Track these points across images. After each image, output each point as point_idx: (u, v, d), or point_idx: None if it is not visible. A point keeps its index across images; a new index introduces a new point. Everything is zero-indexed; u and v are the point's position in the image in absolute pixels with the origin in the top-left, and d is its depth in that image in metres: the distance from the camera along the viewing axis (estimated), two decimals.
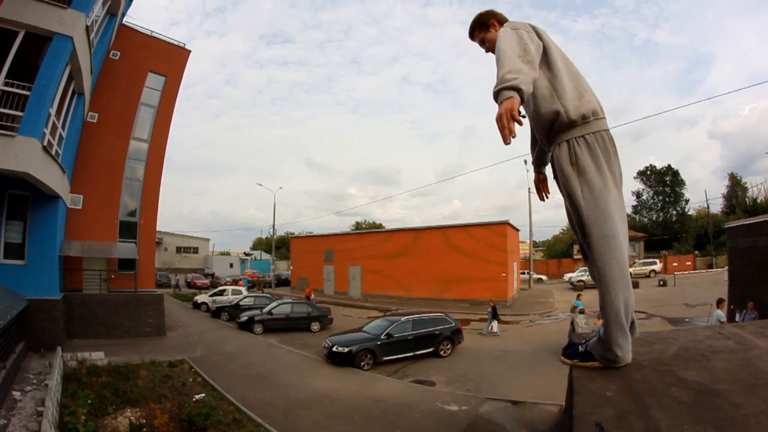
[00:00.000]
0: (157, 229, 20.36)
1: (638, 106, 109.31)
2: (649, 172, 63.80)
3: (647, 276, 39.10)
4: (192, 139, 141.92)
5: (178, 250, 61.96)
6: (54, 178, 12.46)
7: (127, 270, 17.21)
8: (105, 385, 9.99)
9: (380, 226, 73.38)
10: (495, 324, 18.67)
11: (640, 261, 44.69)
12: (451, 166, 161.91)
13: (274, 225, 49.84)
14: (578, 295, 16.64)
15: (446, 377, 12.96)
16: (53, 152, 12.17)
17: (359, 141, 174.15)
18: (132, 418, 8.42)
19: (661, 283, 32.48)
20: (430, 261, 30.33)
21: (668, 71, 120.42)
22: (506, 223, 29.39)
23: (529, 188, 41.08)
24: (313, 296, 29.00)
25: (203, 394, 10.55)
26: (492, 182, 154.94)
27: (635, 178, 64.91)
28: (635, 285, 31.88)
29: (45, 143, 11.10)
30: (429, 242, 30.99)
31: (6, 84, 10.30)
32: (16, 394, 8.52)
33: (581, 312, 14.43)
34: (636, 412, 1.99)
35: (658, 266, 41.43)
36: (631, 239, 52.96)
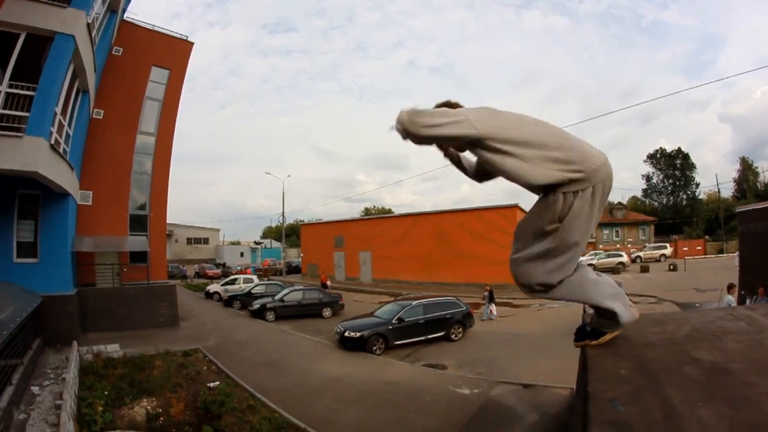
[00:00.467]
0: (168, 221, 20.48)
1: (648, 88, 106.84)
2: (659, 155, 63.21)
3: (657, 260, 38.48)
4: (198, 130, 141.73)
5: (189, 241, 62.44)
6: (63, 176, 12.54)
7: (139, 262, 17.40)
8: (121, 376, 10.11)
9: (389, 211, 73.33)
10: (493, 307, 18.74)
11: (650, 245, 44.13)
12: None
13: (283, 213, 50.01)
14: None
15: (457, 361, 13.03)
16: (61, 150, 12.22)
17: (366, 127, 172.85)
18: (148, 407, 8.57)
19: (672, 267, 32.11)
20: (440, 245, 30.29)
21: (678, 53, 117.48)
22: (516, 206, 29.01)
23: None
24: (329, 283, 29.08)
25: (218, 382, 10.75)
26: None
27: (645, 161, 64.69)
28: (645, 269, 31.72)
29: (52, 142, 11.14)
30: (439, 226, 30.91)
31: (11, 86, 10.31)
32: (35, 389, 8.68)
33: None
34: (650, 390, 2.01)
35: (669, 251, 40.70)
36: (641, 223, 53.07)
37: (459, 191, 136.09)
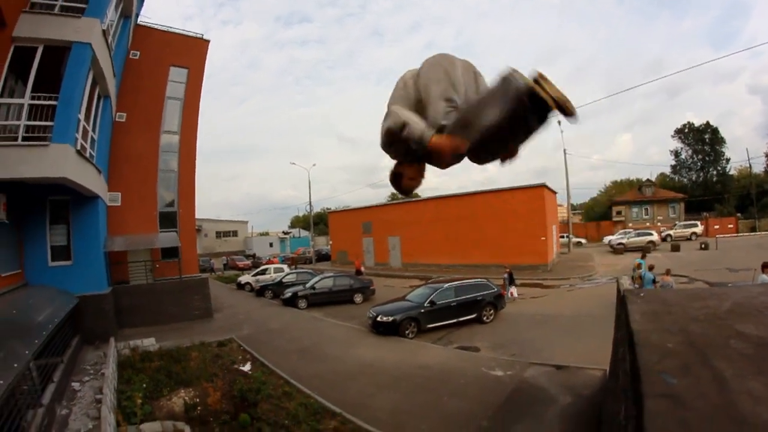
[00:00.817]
0: (196, 216, 20.74)
1: (673, 60, 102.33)
2: (687, 130, 60.63)
3: (688, 239, 37.73)
4: (221, 127, 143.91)
5: (218, 234, 63.53)
6: (91, 180, 12.84)
7: (171, 258, 17.76)
8: (158, 369, 10.37)
9: (416, 195, 72.83)
10: (514, 289, 18.43)
11: (681, 223, 42.97)
12: None
13: (310, 202, 50.67)
14: (643, 255, 16.56)
15: (490, 343, 12.89)
16: (87, 155, 12.50)
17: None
18: (186, 398, 8.75)
19: (703, 246, 30.96)
20: (468, 227, 29.92)
21: (702, 23, 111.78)
22: (543, 186, 28.45)
23: (564, 150, 39.67)
24: (364, 269, 29.08)
25: (249, 364, 11.10)
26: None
27: (673, 136, 62.29)
28: (676, 248, 31.09)
29: (78, 148, 11.40)
30: (466, 208, 30.46)
31: (33, 98, 10.53)
32: (75, 385, 8.96)
33: (650, 268, 14.14)
34: (700, 363, 2.01)
35: (699, 229, 39.58)
36: (671, 200, 51.43)
37: (485, 173, 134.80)
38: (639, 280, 13.88)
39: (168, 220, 18.64)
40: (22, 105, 10.48)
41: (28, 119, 10.39)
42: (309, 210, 50.81)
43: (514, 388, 9.02)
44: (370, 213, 40.10)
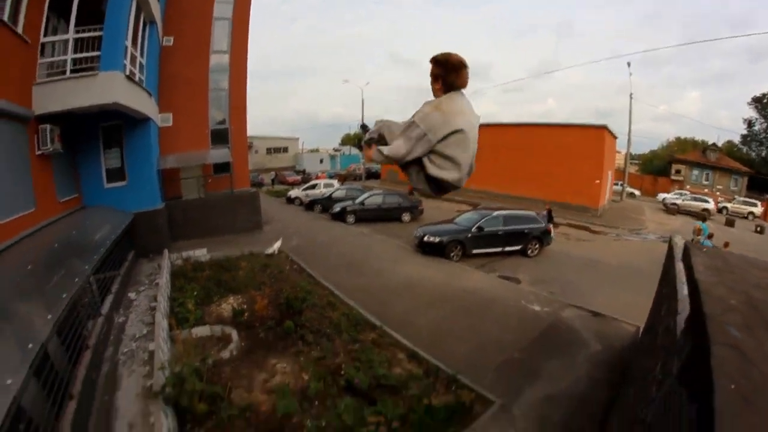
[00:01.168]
0: (248, 134, 20.81)
1: (762, 20, 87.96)
2: (766, 101, 52.32)
3: (744, 217, 33.63)
4: (272, 46, 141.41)
5: (269, 151, 64.00)
6: (142, 102, 12.94)
7: (223, 173, 18.09)
8: (209, 278, 10.82)
9: None
10: (551, 227, 17.57)
11: (741, 198, 37.93)
12: (544, 63, 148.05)
13: (363, 119, 49.72)
14: (704, 219, 15.69)
15: (531, 277, 12.69)
16: (137, 80, 12.57)
17: (445, 35, 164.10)
18: (234, 304, 9.15)
19: (758, 229, 27.65)
20: (520, 158, 28.36)
21: None
22: (604, 128, 26.25)
23: (631, 94, 36.42)
24: None
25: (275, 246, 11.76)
26: (590, 84, 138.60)
27: (749, 104, 52.75)
28: (731, 224, 28.41)
29: (127, 73, 11.46)
30: (523, 139, 28.66)
31: (78, 31, 10.48)
32: (131, 295, 9.60)
33: (710, 236, 13.22)
34: (763, 327, 2.06)
35: (759, 210, 34.88)
36: (735, 172, 45.83)
37: (543, 105, 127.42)
38: (698, 245, 13.06)
39: (220, 137, 18.77)
40: (67, 41, 10.47)
41: (75, 53, 10.47)
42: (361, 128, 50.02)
43: (550, 324, 8.95)
44: None
